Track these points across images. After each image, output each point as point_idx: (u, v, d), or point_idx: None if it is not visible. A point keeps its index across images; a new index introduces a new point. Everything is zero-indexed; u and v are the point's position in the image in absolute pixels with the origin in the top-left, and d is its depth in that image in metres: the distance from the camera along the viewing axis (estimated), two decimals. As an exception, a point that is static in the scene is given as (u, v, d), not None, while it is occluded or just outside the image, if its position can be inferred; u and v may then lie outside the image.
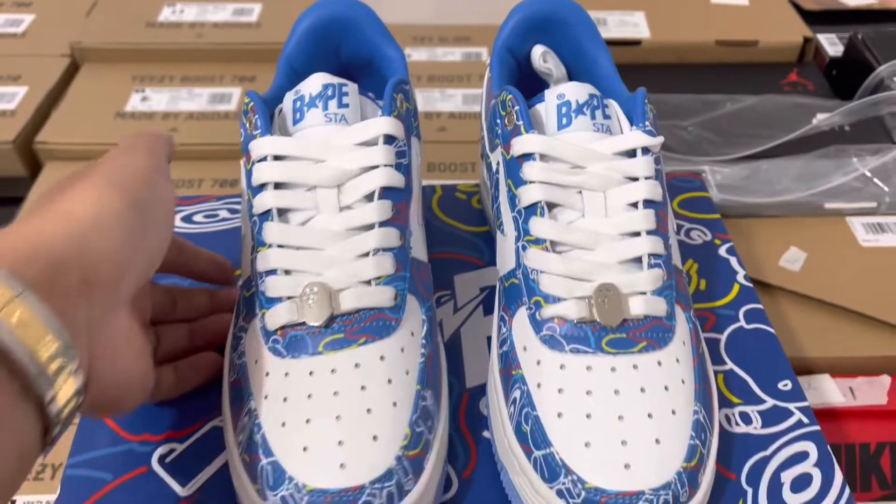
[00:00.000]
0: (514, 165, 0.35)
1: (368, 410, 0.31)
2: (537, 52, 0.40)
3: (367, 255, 0.33)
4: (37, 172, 0.68)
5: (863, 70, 0.74)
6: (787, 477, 0.34)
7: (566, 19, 0.40)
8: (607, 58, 0.39)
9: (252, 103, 0.36)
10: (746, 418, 0.37)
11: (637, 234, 0.34)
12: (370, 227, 0.34)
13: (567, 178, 0.34)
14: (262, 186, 0.34)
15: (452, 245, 0.45)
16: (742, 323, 0.41)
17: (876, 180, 0.63)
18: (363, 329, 0.32)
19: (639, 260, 0.34)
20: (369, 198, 0.34)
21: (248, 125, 0.36)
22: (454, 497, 0.34)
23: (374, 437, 0.30)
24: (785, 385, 0.38)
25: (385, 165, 0.34)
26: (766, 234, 0.60)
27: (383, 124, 0.34)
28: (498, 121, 0.37)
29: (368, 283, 0.33)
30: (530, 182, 0.34)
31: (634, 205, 0.34)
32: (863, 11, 0.85)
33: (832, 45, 0.81)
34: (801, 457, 0.35)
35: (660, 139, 0.35)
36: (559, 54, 0.40)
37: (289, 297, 0.33)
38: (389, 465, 0.30)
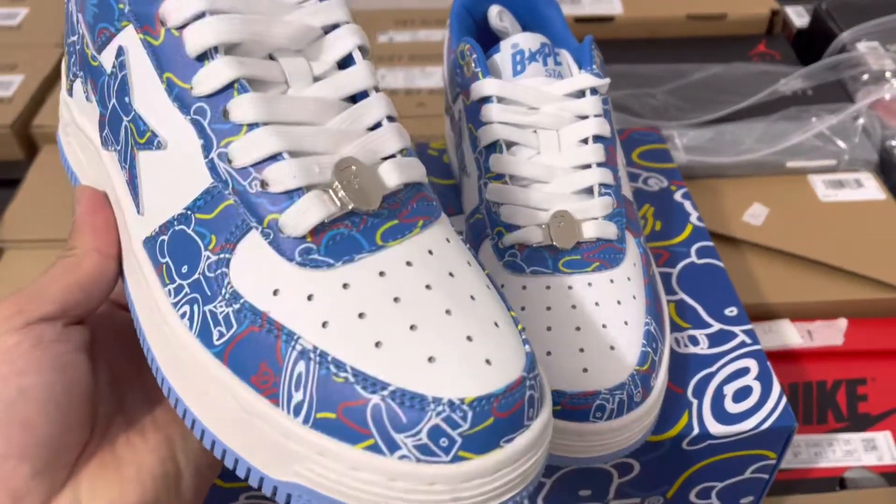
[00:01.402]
0: (473, 110, 0.38)
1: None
2: (493, 11, 0.43)
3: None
4: (33, 155, 0.71)
5: (828, 39, 0.77)
6: (730, 390, 0.37)
7: None
8: (559, 14, 0.42)
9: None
10: (694, 341, 0.40)
11: (588, 166, 0.37)
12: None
13: (523, 118, 0.37)
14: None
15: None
16: (693, 259, 0.44)
17: (835, 139, 0.66)
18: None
19: (590, 189, 0.37)
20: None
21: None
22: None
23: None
24: (731, 311, 0.41)
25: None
26: (730, 192, 0.63)
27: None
28: (458, 70, 0.40)
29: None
30: (489, 123, 0.37)
31: (585, 140, 0.37)
32: (829, -16, 0.88)
33: (799, 16, 0.84)
34: (743, 372, 0.38)
35: (606, 80, 0.38)
36: (514, 12, 0.43)
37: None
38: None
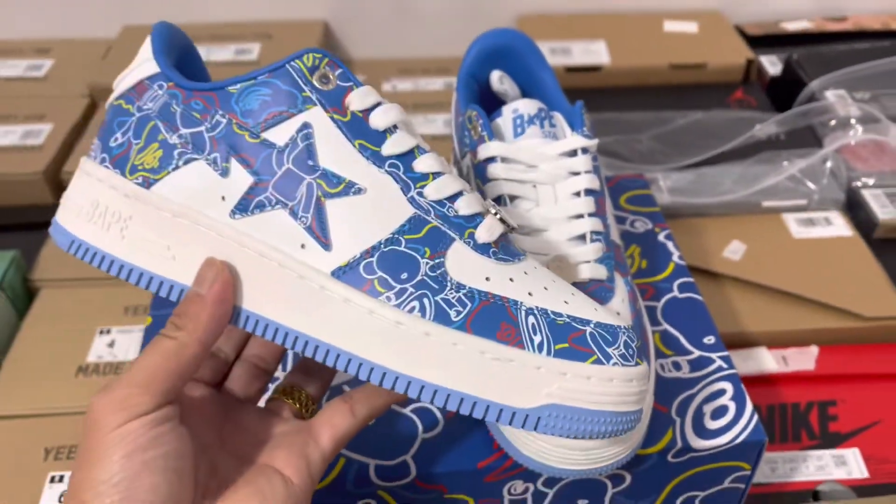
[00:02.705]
0: (480, 168, 0.44)
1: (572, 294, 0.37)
2: (495, 76, 0.49)
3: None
4: (64, 199, 0.76)
5: (798, 87, 0.83)
6: (708, 409, 0.43)
7: (517, 48, 0.49)
8: (552, 78, 0.48)
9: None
10: (677, 366, 0.45)
11: (581, 216, 0.42)
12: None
13: (523, 175, 0.42)
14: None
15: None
16: (676, 293, 0.50)
17: (806, 181, 0.72)
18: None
19: (583, 237, 0.42)
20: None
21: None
22: (440, 432, 0.42)
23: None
24: (709, 339, 0.47)
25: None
26: (711, 230, 0.68)
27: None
28: (466, 132, 0.45)
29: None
30: (494, 179, 0.43)
31: (577, 193, 0.42)
32: (801, 35, 0.94)
33: (773, 65, 0.90)
34: (720, 393, 0.44)
35: (595, 141, 0.44)
36: (513, 77, 0.49)
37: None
38: None
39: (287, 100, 0.34)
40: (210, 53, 0.89)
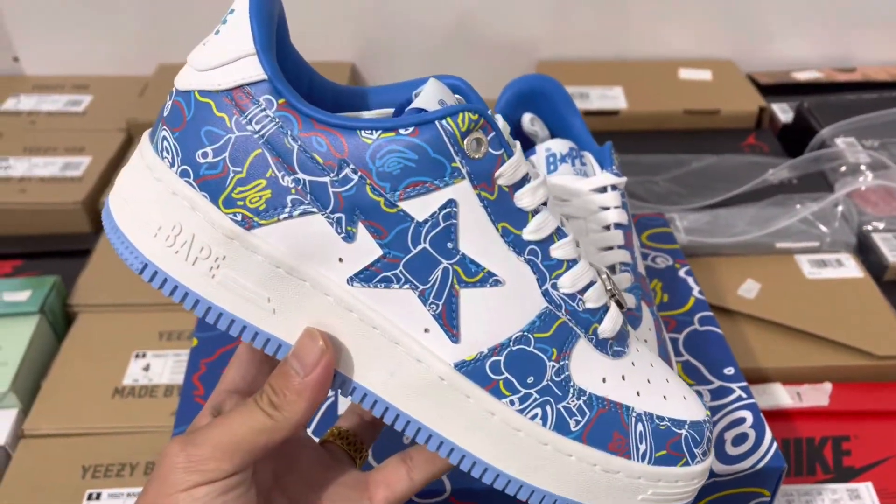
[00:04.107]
0: (515, 202, 0.46)
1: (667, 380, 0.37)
2: (526, 118, 0.51)
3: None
4: (100, 229, 0.79)
5: (809, 134, 0.86)
6: (729, 436, 0.45)
7: (548, 92, 0.52)
8: (580, 121, 0.51)
9: None
10: (699, 395, 0.47)
11: (610, 248, 0.45)
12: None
13: (556, 209, 0.45)
14: None
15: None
16: (696, 326, 0.52)
17: (818, 223, 0.74)
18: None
19: (613, 267, 0.44)
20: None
21: None
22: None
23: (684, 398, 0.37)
24: (729, 370, 0.49)
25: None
26: (726, 269, 0.70)
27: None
28: (502, 169, 0.48)
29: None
30: (528, 213, 0.45)
31: (607, 227, 0.45)
32: (811, 84, 0.97)
33: (784, 112, 0.93)
34: (740, 421, 0.45)
35: (624, 179, 0.46)
36: (543, 120, 0.52)
37: None
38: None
39: (434, 170, 0.30)
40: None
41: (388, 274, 0.30)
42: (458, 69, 1.00)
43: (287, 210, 0.30)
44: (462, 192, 0.30)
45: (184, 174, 0.30)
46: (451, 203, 0.30)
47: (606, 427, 0.32)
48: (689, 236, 0.72)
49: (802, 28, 1.00)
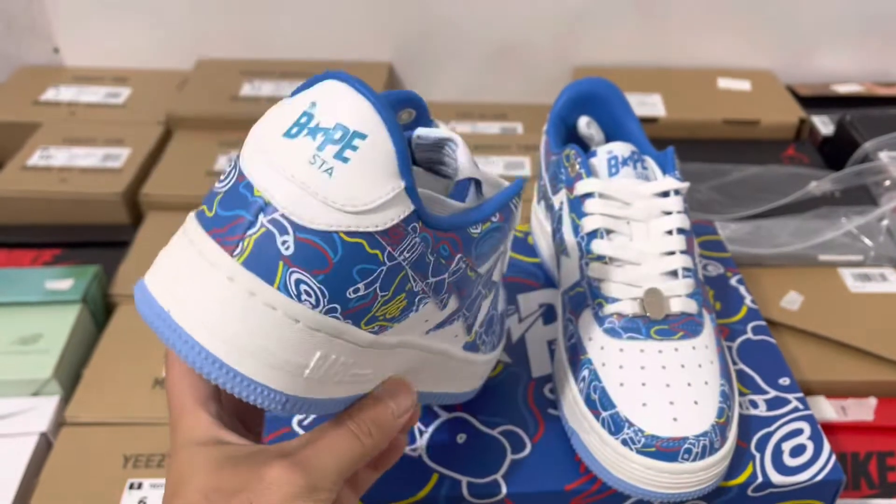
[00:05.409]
0: (577, 203, 0.46)
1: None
2: (583, 121, 0.51)
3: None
4: (138, 221, 0.79)
5: (851, 146, 0.85)
6: (787, 446, 0.44)
7: (604, 96, 0.52)
8: (637, 125, 0.51)
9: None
10: (754, 404, 0.47)
11: (672, 252, 0.44)
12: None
13: (619, 211, 0.45)
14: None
15: (515, 272, 0.56)
16: (750, 335, 0.52)
17: (862, 237, 0.73)
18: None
19: (675, 272, 0.44)
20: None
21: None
22: (528, 454, 0.44)
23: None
24: (784, 381, 0.48)
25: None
26: (768, 281, 0.70)
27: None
28: (562, 169, 0.48)
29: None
30: (591, 214, 0.45)
31: (670, 232, 0.45)
32: (850, 97, 0.96)
33: (824, 125, 0.92)
34: (797, 432, 0.45)
35: (687, 184, 0.46)
36: (599, 122, 0.52)
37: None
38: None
39: (503, 238, 0.37)
40: (279, 89, 0.93)
41: (455, 314, 0.36)
42: (495, 74, 1.01)
43: (414, 308, 0.32)
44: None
45: (331, 311, 0.29)
46: (504, 252, 0.40)
47: None
48: (732, 246, 0.71)
49: (843, 41, 1.00)
